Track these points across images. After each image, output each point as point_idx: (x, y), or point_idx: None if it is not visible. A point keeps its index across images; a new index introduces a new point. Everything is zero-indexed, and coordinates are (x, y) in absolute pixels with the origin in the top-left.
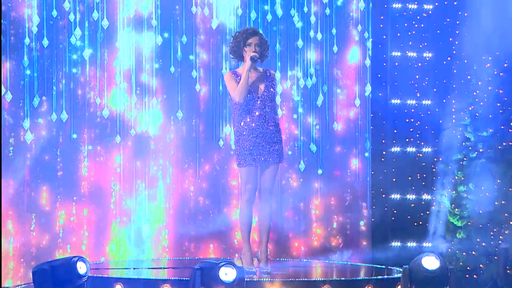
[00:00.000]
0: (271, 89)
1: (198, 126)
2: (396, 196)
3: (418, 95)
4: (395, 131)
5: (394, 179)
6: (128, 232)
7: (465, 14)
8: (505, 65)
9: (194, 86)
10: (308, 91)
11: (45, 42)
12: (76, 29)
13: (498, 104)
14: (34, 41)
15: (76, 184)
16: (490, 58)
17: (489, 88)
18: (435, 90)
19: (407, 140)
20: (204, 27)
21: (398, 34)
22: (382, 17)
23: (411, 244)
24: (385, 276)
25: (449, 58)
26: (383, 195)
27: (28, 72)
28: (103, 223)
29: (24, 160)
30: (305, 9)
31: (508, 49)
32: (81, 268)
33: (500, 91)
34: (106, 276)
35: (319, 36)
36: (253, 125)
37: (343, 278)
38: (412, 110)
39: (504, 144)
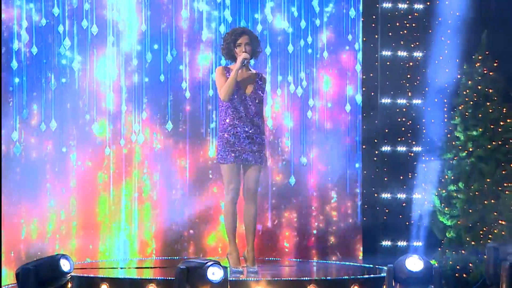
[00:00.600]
0: (259, 92)
1: (186, 136)
2: (387, 195)
3: (410, 95)
4: (386, 130)
5: (386, 178)
6: (116, 236)
7: (457, 14)
8: (495, 64)
9: (184, 94)
10: (299, 98)
11: (34, 49)
12: (65, 39)
13: (488, 104)
14: (23, 49)
15: (65, 194)
16: (480, 58)
17: (479, 87)
18: (427, 89)
19: (399, 139)
20: (193, 38)
21: (390, 34)
22: (374, 17)
23: (402, 243)
24: (372, 276)
25: (441, 58)
26: (375, 194)
27: (17, 80)
28: (92, 228)
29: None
30: (295, 13)
31: (498, 48)
32: (65, 265)
33: (490, 90)
34: (92, 276)
35: (309, 40)
36: (237, 123)
37: (329, 278)
38: (404, 110)
39: (493, 143)
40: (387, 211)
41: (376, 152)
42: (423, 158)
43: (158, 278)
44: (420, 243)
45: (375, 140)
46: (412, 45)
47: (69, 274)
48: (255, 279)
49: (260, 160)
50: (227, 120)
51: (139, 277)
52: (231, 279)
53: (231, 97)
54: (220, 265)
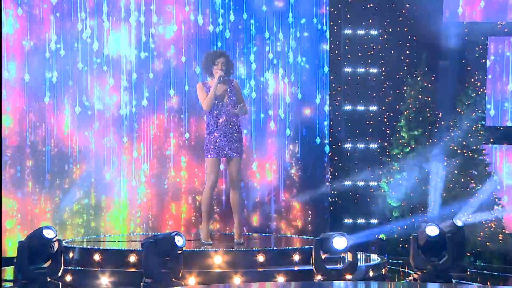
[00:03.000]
0: (233, 97)
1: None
2: (349, 183)
3: (376, 103)
4: (357, 131)
5: (356, 170)
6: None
7: (414, 38)
8: (433, 78)
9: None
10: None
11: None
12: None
13: (427, 109)
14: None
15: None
16: (421, 73)
17: (420, 96)
18: (390, 98)
19: (367, 138)
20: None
21: (360, 54)
22: (347, 41)
23: (360, 220)
24: (311, 246)
25: (401, 73)
26: (343, 183)
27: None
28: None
29: None
30: (274, 60)
31: (435, 64)
32: (49, 234)
33: (429, 99)
34: (89, 247)
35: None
36: (218, 127)
37: (275, 248)
38: (371, 115)
39: (430, 141)
40: (357, 195)
41: (347, 147)
42: (380, 153)
43: (138, 249)
44: (375, 221)
45: (348, 139)
46: (380, 62)
47: (55, 239)
48: (213, 249)
49: (239, 153)
50: (211, 123)
51: (123, 248)
52: (199, 249)
53: (212, 107)
54: (181, 234)
